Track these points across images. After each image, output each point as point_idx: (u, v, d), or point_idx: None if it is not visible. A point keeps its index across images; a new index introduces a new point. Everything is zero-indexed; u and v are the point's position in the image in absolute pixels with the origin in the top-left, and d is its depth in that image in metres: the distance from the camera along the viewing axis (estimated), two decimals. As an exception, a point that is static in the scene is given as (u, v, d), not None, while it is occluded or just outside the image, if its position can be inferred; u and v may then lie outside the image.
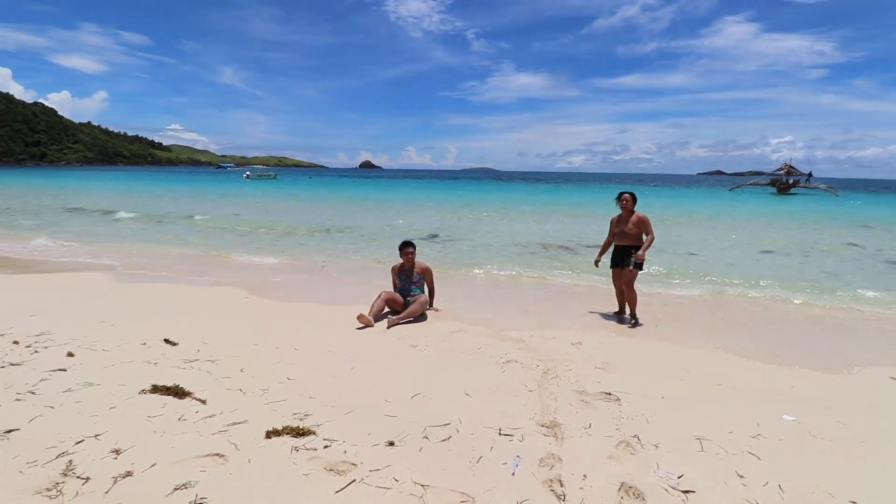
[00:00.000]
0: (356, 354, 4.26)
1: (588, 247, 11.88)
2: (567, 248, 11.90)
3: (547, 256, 10.67)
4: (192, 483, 2.25)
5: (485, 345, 4.61)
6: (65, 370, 3.55)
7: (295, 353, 4.19)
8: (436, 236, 13.82)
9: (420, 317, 5.50)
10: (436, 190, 47.67)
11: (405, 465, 2.50)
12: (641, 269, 5.53)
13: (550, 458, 2.61)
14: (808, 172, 47.23)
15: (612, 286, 5.98)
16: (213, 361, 3.89)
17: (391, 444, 2.70)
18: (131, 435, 2.66)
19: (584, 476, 2.46)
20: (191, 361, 3.88)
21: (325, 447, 2.63)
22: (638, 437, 2.88)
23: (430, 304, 5.84)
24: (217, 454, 2.51)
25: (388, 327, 5.11)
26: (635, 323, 5.48)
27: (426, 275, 5.80)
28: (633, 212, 5.55)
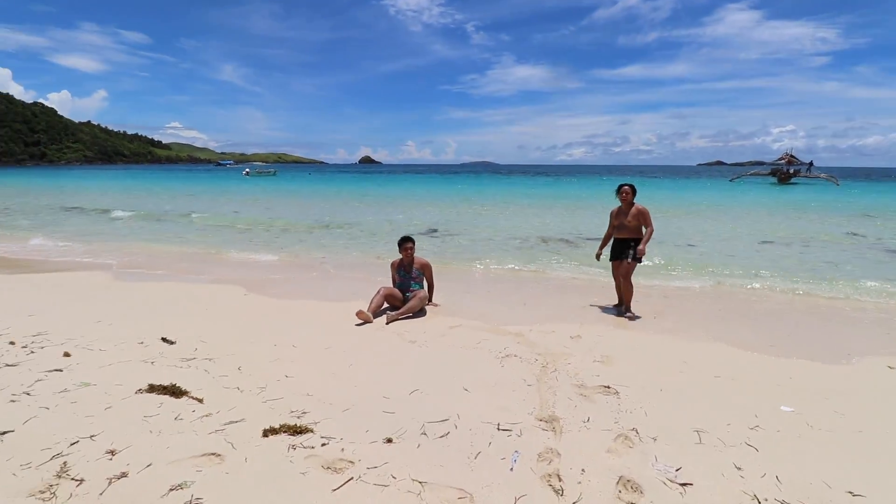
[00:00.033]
0: (355, 351, 4.25)
1: (588, 239, 11.85)
2: (567, 241, 11.87)
3: (546, 250, 10.64)
4: (188, 483, 2.24)
5: (484, 339, 4.60)
6: (61, 370, 3.54)
7: (293, 351, 4.18)
8: (435, 231, 13.79)
9: (419, 312, 5.48)
10: (435, 184, 47.58)
11: (403, 461, 2.49)
12: (640, 262, 5.51)
13: (549, 453, 2.60)
14: (809, 162, 47.08)
15: (612, 279, 5.96)
16: (210, 360, 3.88)
17: (389, 440, 2.69)
18: (127, 435, 2.65)
19: (583, 470, 2.45)
20: (188, 360, 3.87)
21: (323, 445, 2.62)
22: (636, 431, 2.87)
23: (430, 300, 5.82)
24: (214, 454, 2.50)
25: (387, 323, 5.09)
26: (630, 316, 5.49)
27: (425, 270, 5.78)
28: (632, 204, 5.52)
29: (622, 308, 5.69)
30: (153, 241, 11.51)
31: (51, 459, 2.41)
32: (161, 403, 3.05)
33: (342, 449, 2.58)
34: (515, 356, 4.15)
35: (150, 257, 9.34)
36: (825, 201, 25.31)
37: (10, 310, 5.18)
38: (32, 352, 3.92)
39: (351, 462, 2.46)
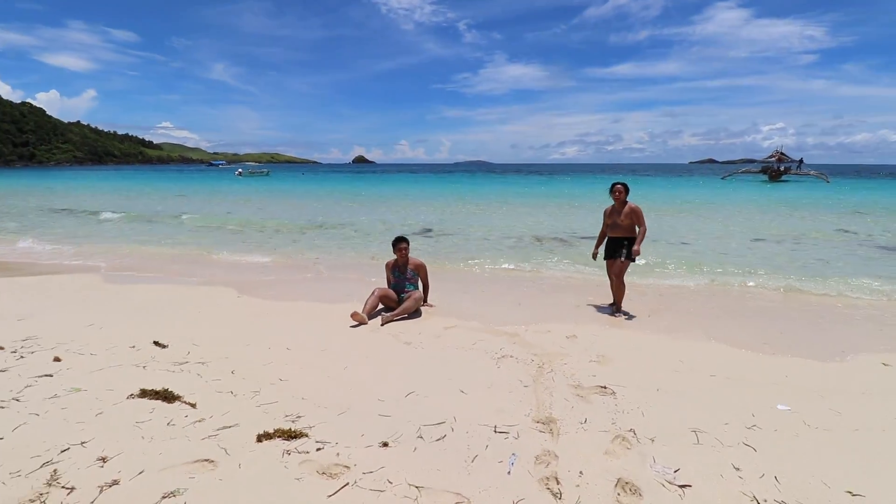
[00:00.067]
0: (350, 353, 4.22)
1: (582, 238, 11.87)
2: (561, 239, 11.89)
3: (541, 249, 10.65)
4: (181, 490, 2.20)
5: (479, 340, 4.58)
6: (51, 376, 3.48)
7: (287, 353, 4.14)
8: (429, 231, 13.77)
9: (414, 313, 5.45)
10: (429, 184, 47.53)
11: (399, 466, 2.46)
12: (633, 261, 5.53)
13: (546, 455, 2.59)
14: (799, 159, 47.50)
15: (607, 278, 5.96)
16: (203, 363, 3.83)
17: (385, 444, 2.66)
18: (118, 442, 2.60)
19: (581, 473, 2.43)
20: (181, 364, 3.81)
21: (318, 450, 2.59)
22: (634, 431, 2.86)
23: (425, 300, 5.80)
24: (207, 460, 2.46)
25: (382, 324, 5.06)
26: (622, 314, 5.53)
27: (420, 271, 5.75)
28: (625, 202, 5.53)
29: (617, 307, 5.70)
30: (144, 243, 11.39)
31: (41, 467, 2.36)
32: (153, 409, 3.00)
33: (337, 453, 2.55)
34: (511, 357, 4.13)
35: (140, 259, 9.25)
36: (816, 198, 25.55)
37: (-2, 314, 5.10)
38: (22, 357, 3.85)
39: (346, 467, 2.43)
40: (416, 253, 5.99)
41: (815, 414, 3.14)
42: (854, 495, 2.30)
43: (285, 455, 2.52)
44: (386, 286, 5.70)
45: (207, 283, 7.15)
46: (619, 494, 2.28)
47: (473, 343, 4.49)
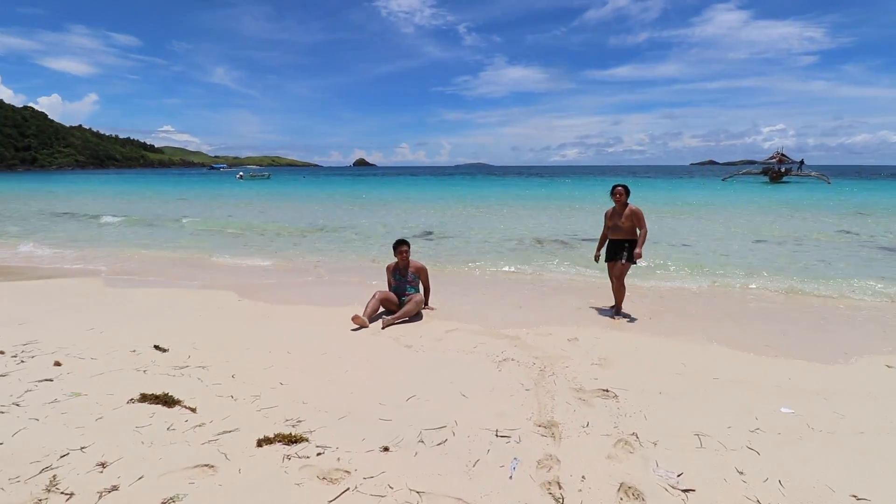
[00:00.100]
0: (350, 356, 4.20)
1: (583, 240, 11.86)
2: (562, 241, 11.87)
3: (542, 251, 10.63)
4: (181, 496, 2.19)
5: (480, 343, 4.56)
6: (51, 380, 3.47)
7: (288, 357, 4.13)
8: (430, 233, 13.76)
9: (415, 316, 5.44)
10: (430, 186, 47.57)
11: (400, 471, 2.44)
12: (634, 263, 5.51)
13: (548, 460, 2.57)
14: (799, 160, 47.47)
15: (608, 280, 5.95)
16: (203, 367, 3.82)
17: (386, 449, 2.65)
18: (118, 447, 2.59)
19: (583, 477, 2.41)
20: (181, 368, 3.80)
21: (318, 454, 2.57)
22: (636, 435, 2.84)
23: (426, 303, 5.78)
24: (207, 465, 2.45)
25: (383, 327, 5.05)
26: (622, 316, 5.54)
27: (421, 274, 5.74)
28: (626, 205, 5.51)
29: (616, 309, 5.69)
30: (145, 247, 11.39)
31: (40, 473, 2.35)
32: (153, 413, 2.99)
33: (338, 458, 2.54)
34: (513, 360, 4.12)
35: (141, 263, 9.25)
36: (817, 199, 25.51)
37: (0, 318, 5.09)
38: (23, 361, 3.85)
39: (347, 472, 2.42)
40: (416, 256, 5.98)
41: (818, 417, 3.12)
42: (859, 499, 2.28)
43: (285, 460, 2.50)
44: (387, 289, 5.69)
45: (208, 286, 7.14)
46: (621, 499, 2.26)
47: (474, 346, 4.48)
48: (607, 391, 3.48)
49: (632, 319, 5.46)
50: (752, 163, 55.72)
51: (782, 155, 47.36)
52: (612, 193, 5.57)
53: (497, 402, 3.30)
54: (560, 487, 2.33)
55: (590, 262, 6.11)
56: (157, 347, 4.25)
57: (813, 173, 45.86)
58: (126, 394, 3.24)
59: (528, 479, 2.40)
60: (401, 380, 3.68)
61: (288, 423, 2.92)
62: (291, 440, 2.68)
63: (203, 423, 2.88)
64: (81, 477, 2.32)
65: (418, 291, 5.67)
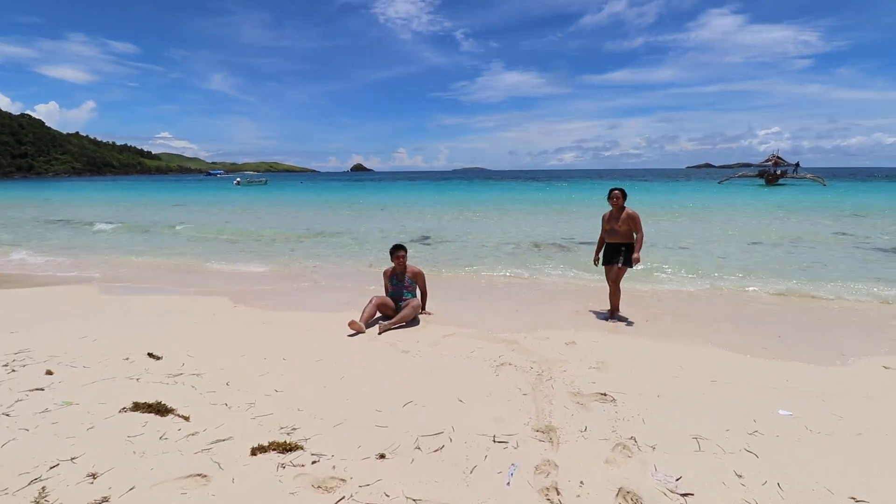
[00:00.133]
0: (346, 362, 4.17)
1: (580, 244, 11.86)
2: (560, 245, 11.87)
3: (539, 255, 10.63)
4: (173, 507, 2.16)
5: (478, 348, 4.54)
6: (42, 389, 3.43)
7: (283, 364, 4.09)
8: (427, 238, 13.74)
9: (412, 321, 5.41)
10: (427, 191, 47.56)
11: (397, 478, 2.41)
12: (631, 267, 5.51)
13: (546, 465, 2.54)
14: (795, 163, 47.75)
15: (606, 283, 5.94)
16: (197, 375, 3.78)
17: (382, 456, 2.62)
18: (109, 457, 2.55)
19: (582, 482, 2.39)
20: (175, 376, 3.76)
21: (314, 463, 2.54)
22: (634, 439, 2.82)
23: (423, 308, 5.76)
24: (199, 474, 2.41)
25: (380, 333, 5.02)
26: (619, 318, 5.54)
27: (418, 278, 5.72)
28: (623, 208, 5.51)
29: (617, 313, 5.68)
30: (139, 254, 11.33)
31: (29, 484, 2.31)
32: (146, 422, 2.95)
33: (333, 466, 2.50)
34: (510, 364, 4.09)
35: (135, 270, 9.19)
36: (813, 201, 25.62)
37: (-10, 327, 5.04)
38: (13, 370, 3.80)
39: (342, 480, 2.39)
40: (413, 260, 5.96)
41: (816, 419, 3.10)
42: (858, 501, 2.26)
43: (280, 469, 2.47)
44: (384, 294, 5.66)
45: (203, 293, 7.10)
46: (620, 505, 2.23)
47: (472, 351, 4.45)
48: (605, 395, 3.46)
49: (629, 323, 5.45)
50: (748, 165, 56.05)
51: (778, 157, 47.63)
52: (610, 197, 5.57)
53: (494, 407, 3.27)
54: (558, 493, 2.31)
55: (587, 265, 6.10)
56: (150, 355, 4.20)
57: (808, 175, 46.12)
58: (118, 402, 3.20)
59: (526, 485, 2.38)
60: (397, 385, 3.65)
61: (283, 430, 2.89)
62: (286, 448, 2.64)
63: (196, 432, 2.84)
64: (71, 488, 2.28)
65: (415, 296, 5.64)
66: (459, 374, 3.90)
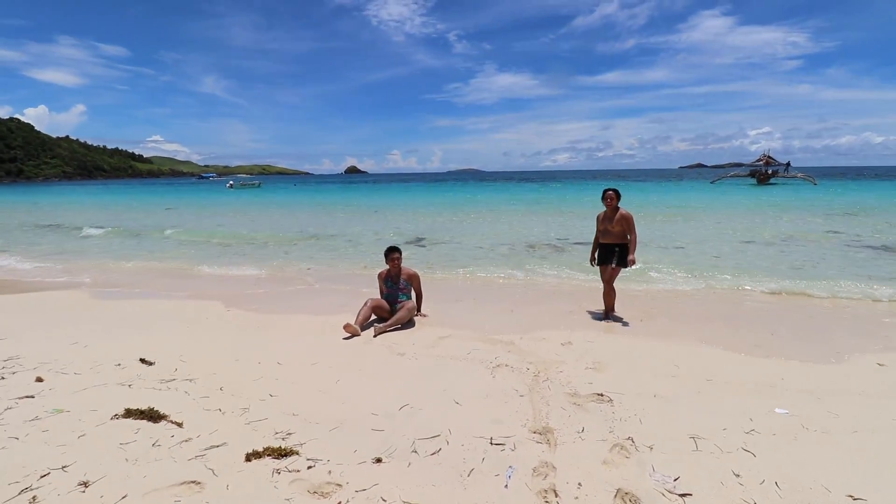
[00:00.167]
0: (342, 366, 4.14)
1: (575, 244, 11.88)
2: (554, 246, 11.89)
3: (534, 256, 10.63)
4: (166, 515, 2.12)
5: (474, 349, 4.52)
6: (32, 397, 3.37)
7: (278, 368, 4.05)
8: (422, 240, 13.71)
9: (408, 323, 5.38)
10: (421, 193, 47.54)
11: (393, 482, 2.39)
12: (626, 267, 5.52)
13: (544, 467, 2.53)
14: (786, 162, 48.19)
15: (600, 284, 5.94)
16: (191, 380, 3.74)
17: (378, 460, 2.59)
18: (101, 465, 2.51)
19: (580, 484, 2.38)
20: (167, 382, 3.72)
21: (309, 468, 2.51)
22: (632, 440, 2.81)
23: (418, 310, 5.73)
24: (193, 481, 2.37)
25: (375, 335, 4.99)
26: (613, 318, 5.55)
27: (413, 280, 5.70)
28: (617, 209, 5.52)
29: (612, 313, 5.69)
30: (130, 258, 11.21)
31: (19, 494, 2.26)
32: (138, 429, 2.90)
33: (329, 471, 2.48)
34: (507, 366, 4.08)
35: (126, 275, 9.10)
36: (804, 200, 25.85)
37: (-21, 334, 4.96)
38: (3, 378, 3.73)
39: (338, 485, 2.36)
40: (408, 262, 5.93)
41: (813, 417, 3.12)
42: (856, 499, 2.26)
43: (275, 474, 2.44)
44: (378, 297, 5.63)
45: (195, 297, 7.03)
46: (618, 506, 2.22)
47: (468, 353, 4.43)
48: (602, 395, 3.45)
49: (624, 323, 5.45)
50: (739, 165, 56.46)
51: (769, 157, 48.05)
52: (604, 197, 5.58)
53: (491, 408, 3.25)
54: (556, 495, 2.29)
55: (581, 265, 6.11)
56: (142, 361, 4.15)
57: (799, 175, 46.55)
58: (110, 409, 3.15)
59: (524, 487, 2.36)
60: (393, 388, 3.63)
61: (278, 435, 2.86)
62: (281, 454, 2.61)
63: (190, 438, 2.81)
64: (62, 497, 2.24)
65: (410, 298, 5.61)
66: (456, 376, 3.88)
